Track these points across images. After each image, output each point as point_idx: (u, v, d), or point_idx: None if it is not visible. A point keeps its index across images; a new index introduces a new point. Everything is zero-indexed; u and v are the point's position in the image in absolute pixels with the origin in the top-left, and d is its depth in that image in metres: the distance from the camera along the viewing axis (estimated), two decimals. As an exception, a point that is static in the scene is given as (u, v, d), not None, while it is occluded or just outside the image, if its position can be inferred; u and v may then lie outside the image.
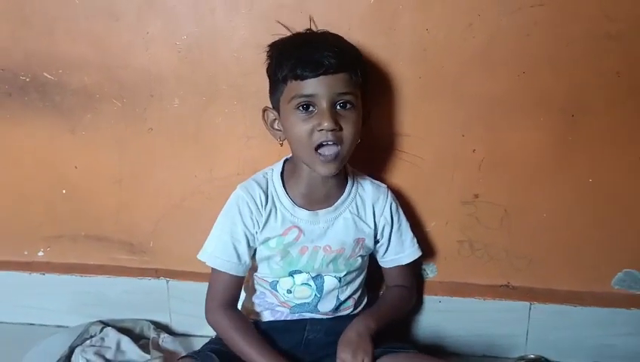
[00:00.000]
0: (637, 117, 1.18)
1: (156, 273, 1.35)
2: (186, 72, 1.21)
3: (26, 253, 1.38)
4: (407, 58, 1.17)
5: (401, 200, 1.23)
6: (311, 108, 1.01)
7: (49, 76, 1.24)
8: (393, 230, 1.16)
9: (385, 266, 1.20)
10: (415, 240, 1.19)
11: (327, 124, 0.99)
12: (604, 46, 1.13)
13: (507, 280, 1.30)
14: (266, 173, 1.13)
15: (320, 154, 1.02)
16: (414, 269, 1.24)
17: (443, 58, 1.17)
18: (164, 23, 1.19)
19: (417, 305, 1.29)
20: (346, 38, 1.11)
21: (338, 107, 1.01)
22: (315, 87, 1.00)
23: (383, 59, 1.17)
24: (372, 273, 1.22)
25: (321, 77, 0.99)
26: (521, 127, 1.20)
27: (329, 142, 1.01)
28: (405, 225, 1.18)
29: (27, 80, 1.25)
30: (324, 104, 1.00)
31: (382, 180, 1.20)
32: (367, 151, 1.21)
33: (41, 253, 1.38)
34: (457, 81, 1.18)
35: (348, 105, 1.02)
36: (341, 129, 1.01)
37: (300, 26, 1.11)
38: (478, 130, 1.21)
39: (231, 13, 1.17)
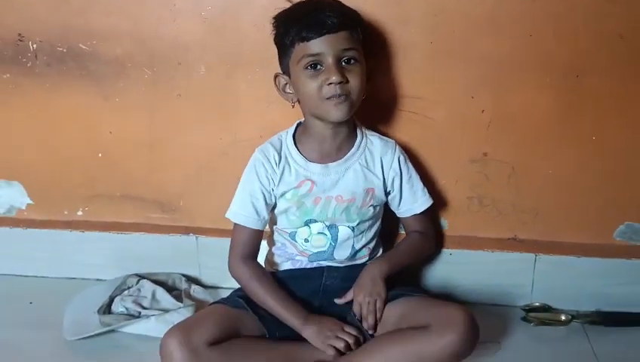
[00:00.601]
0: (639, 76, 1.23)
1: (186, 230, 1.43)
2: (211, 42, 1.28)
3: (66, 212, 1.48)
4: (418, 24, 1.23)
5: (414, 159, 1.29)
6: (319, 67, 1.09)
7: (84, 47, 1.32)
8: (403, 181, 1.23)
9: (402, 216, 1.27)
10: (426, 190, 1.25)
11: (334, 78, 1.07)
12: (607, 9, 1.18)
13: (514, 234, 1.37)
14: (281, 136, 1.22)
15: (330, 100, 1.10)
16: (431, 218, 1.31)
17: (453, 23, 1.22)
18: (190, -6, 1.26)
19: (432, 255, 1.36)
20: (360, 4, 1.18)
21: (343, 63, 1.10)
22: (320, 46, 1.08)
23: (396, 26, 1.23)
24: (387, 226, 1.30)
25: (325, 36, 1.07)
26: (528, 88, 1.25)
27: (338, 95, 1.09)
28: (415, 177, 1.25)
29: (64, 51, 1.33)
30: (330, 60, 1.08)
31: (395, 140, 1.26)
32: (381, 113, 1.29)
33: (80, 213, 1.47)
34: (467, 45, 1.23)
35: (352, 61, 1.10)
36: (348, 81, 1.09)
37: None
38: (486, 91, 1.26)
39: (252, -16, 1.24)
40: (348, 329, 1.12)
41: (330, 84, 1.08)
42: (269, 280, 1.18)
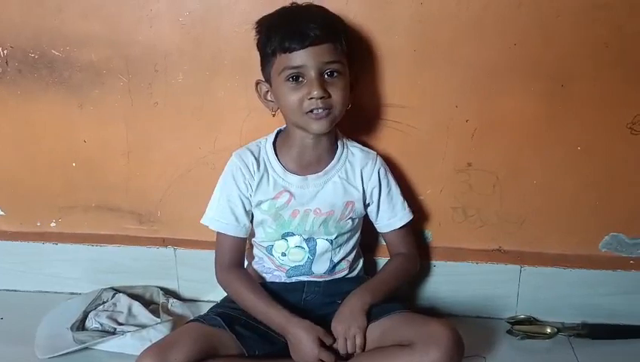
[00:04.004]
0: (624, 86, 1.21)
1: (164, 242, 1.40)
2: (190, 48, 1.25)
3: (38, 223, 1.44)
4: (402, 31, 1.20)
5: (397, 168, 1.28)
6: (300, 79, 1.06)
7: (57, 53, 1.28)
8: (382, 194, 1.20)
9: (382, 232, 1.25)
10: (406, 204, 1.23)
11: (316, 93, 1.05)
12: (593, 17, 1.16)
13: (499, 245, 1.35)
14: (260, 142, 1.20)
15: (311, 114, 1.07)
16: (413, 235, 1.28)
17: (437, 30, 1.20)
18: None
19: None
20: (343, 11, 1.16)
21: (326, 76, 1.07)
22: (302, 58, 1.05)
23: (380, 33, 1.20)
24: (367, 237, 1.27)
25: (307, 48, 1.04)
26: (513, 96, 1.23)
27: (319, 110, 1.07)
28: (395, 190, 1.22)
29: (36, 57, 1.28)
30: (312, 74, 1.05)
31: (378, 150, 1.24)
32: (365, 122, 1.27)
33: (53, 224, 1.43)
34: (451, 53, 1.21)
35: (335, 74, 1.07)
36: (330, 96, 1.06)
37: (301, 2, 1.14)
38: (471, 100, 1.24)
39: (231, -10, 1.21)
40: (323, 356, 1.07)
41: (312, 98, 1.06)
42: (258, 286, 1.15)
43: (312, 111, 1.07)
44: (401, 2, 1.18)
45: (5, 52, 1.29)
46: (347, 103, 1.11)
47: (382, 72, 1.23)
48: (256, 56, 1.15)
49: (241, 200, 1.16)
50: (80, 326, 1.27)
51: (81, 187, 1.39)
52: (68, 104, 1.32)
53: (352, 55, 1.14)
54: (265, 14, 1.13)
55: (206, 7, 1.22)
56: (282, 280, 1.20)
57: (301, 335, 1.07)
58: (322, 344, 1.08)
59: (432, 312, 1.34)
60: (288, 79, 1.07)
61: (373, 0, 1.19)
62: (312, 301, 1.19)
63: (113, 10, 1.24)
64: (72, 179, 1.38)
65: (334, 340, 1.09)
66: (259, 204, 1.16)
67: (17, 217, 1.44)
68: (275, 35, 1.07)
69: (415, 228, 1.32)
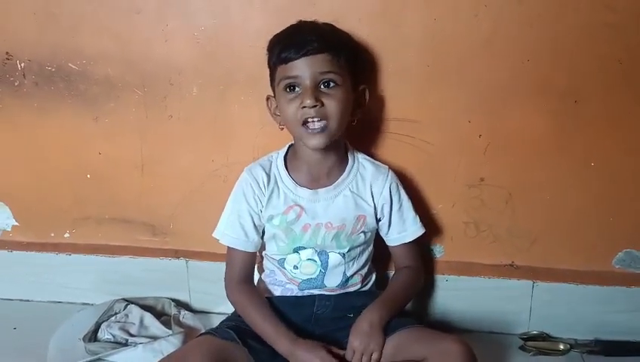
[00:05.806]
0: (637, 101, 1.21)
1: (176, 254, 1.41)
2: (204, 62, 1.26)
3: (52, 234, 1.44)
4: (415, 47, 1.21)
5: (410, 183, 1.28)
6: (297, 89, 1.08)
7: (73, 66, 1.30)
8: (393, 209, 1.20)
9: (391, 245, 1.24)
10: (418, 218, 1.23)
11: (308, 101, 1.06)
12: (606, 35, 1.16)
13: (511, 260, 1.35)
14: (271, 157, 1.21)
15: (307, 127, 1.08)
16: (420, 249, 1.28)
17: (450, 47, 1.20)
18: (183, 15, 1.24)
19: (426, 283, 1.33)
20: (356, 29, 1.17)
21: (322, 86, 1.08)
22: (298, 68, 1.06)
23: (393, 49, 1.21)
24: (380, 251, 1.27)
25: (303, 58, 1.06)
26: (526, 112, 1.23)
27: (314, 119, 1.07)
28: (407, 205, 1.22)
29: (53, 70, 1.30)
30: (307, 83, 1.06)
31: (391, 164, 1.24)
32: (377, 136, 1.27)
33: (67, 235, 1.44)
34: (464, 69, 1.22)
35: (331, 84, 1.08)
36: (323, 105, 1.07)
37: (313, 18, 1.15)
38: (484, 116, 1.25)
39: (245, 6, 1.22)
40: None
41: (304, 107, 1.06)
42: (266, 307, 1.15)
43: (307, 123, 1.08)
44: (414, 18, 1.19)
45: (22, 65, 1.31)
46: (346, 117, 1.11)
47: (395, 87, 1.24)
48: (268, 71, 1.16)
49: (251, 215, 1.17)
50: (92, 337, 1.28)
51: (95, 199, 1.40)
52: (83, 117, 1.33)
53: (359, 70, 1.14)
54: (277, 31, 1.14)
55: (220, 23, 1.24)
56: (294, 294, 1.20)
57: (308, 357, 1.07)
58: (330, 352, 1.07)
59: (444, 327, 1.33)
60: (285, 89, 1.09)
61: (387, 17, 1.19)
62: (322, 315, 1.18)
63: (128, 26, 1.26)
64: (86, 190, 1.39)
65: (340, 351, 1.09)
66: (270, 218, 1.16)
67: (31, 228, 1.45)
68: (276, 48, 1.10)
69: (427, 242, 1.32)
